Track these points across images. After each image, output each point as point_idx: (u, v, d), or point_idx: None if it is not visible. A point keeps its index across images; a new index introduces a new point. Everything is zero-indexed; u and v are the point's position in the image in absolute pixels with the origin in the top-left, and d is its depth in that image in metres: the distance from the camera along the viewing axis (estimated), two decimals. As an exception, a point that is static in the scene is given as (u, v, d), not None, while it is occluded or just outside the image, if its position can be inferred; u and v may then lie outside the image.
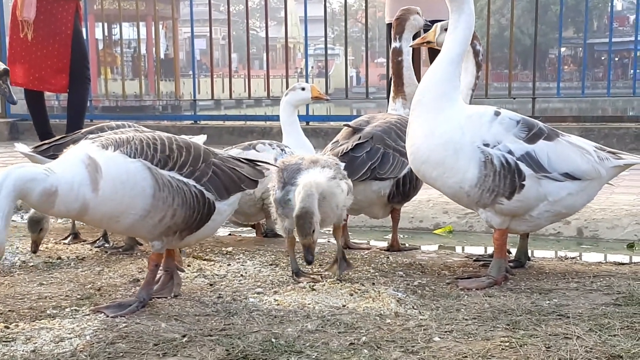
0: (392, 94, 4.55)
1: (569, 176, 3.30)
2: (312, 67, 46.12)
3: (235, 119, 9.73)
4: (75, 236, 4.44)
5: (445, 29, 3.61)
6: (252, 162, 3.36)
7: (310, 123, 9.05)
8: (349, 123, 4.20)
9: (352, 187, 3.46)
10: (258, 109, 16.71)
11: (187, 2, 11.27)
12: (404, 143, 3.76)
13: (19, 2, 6.67)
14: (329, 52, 11.54)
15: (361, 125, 4.16)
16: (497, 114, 3.32)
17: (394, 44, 4.48)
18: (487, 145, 3.24)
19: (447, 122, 3.29)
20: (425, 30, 4.51)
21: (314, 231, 3.07)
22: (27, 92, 7.16)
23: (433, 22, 7.03)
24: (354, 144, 3.97)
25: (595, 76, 49.11)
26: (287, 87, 9.84)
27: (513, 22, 9.45)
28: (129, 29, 27.61)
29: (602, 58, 56.77)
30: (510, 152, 3.24)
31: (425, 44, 4.14)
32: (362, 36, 10.11)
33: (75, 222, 4.50)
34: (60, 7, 6.87)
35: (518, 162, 3.24)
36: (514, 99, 9.28)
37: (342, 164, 3.52)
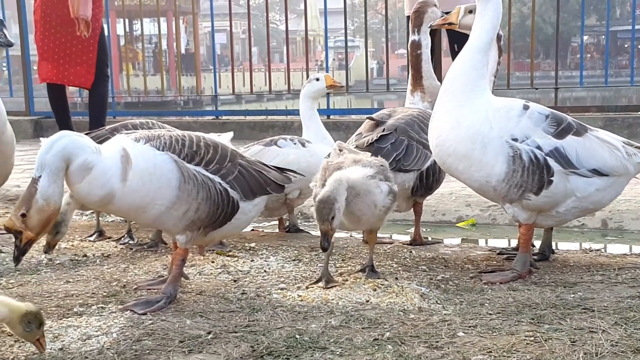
0: (410, 87, 4.53)
1: (597, 172, 3.27)
2: (333, 60, 46.07)
3: (257, 114, 9.74)
4: (101, 234, 4.47)
5: (470, 11, 3.59)
6: (279, 169, 3.41)
7: (331, 117, 9.05)
8: (372, 115, 4.21)
9: (397, 192, 3.32)
10: (279, 103, 16.71)
11: (207, -3, 11.41)
12: (427, 135, 3.76)
13: (75, 1, 6.72)
14: (349, 44, 11.50)
15: (383, 118, 4.17)
16: (526, 107, 3.28)
17: (413, 37, 4.45)
18: (515, 140, 3.21)
19: (475, 114, 3.26)
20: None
21: (333, 218, 2.98)
22: (51, 89, 7.22)
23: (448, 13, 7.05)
24: (379, 135, 3.98)
25: (618, 64, 48.52)
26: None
27: (534, 11, 9.35)
28: (150, 25, 27.82)
29: (626, 45, 56.12)
30: (538, 148, 3.21)
31: (446, 25, 4.06)
32: (383, 27, 10.09)
33: (100, 219, 4.53)
34: (95, 4, 6.94)
35: (547, 157, 3.22)
36: (537, 89, 9.20)
37: (387, 166, 3.41)
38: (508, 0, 9.09)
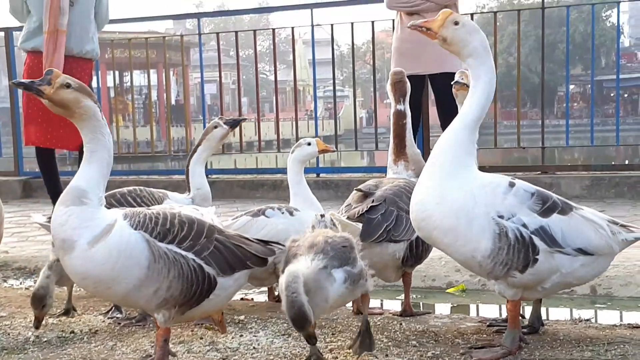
0: (392, 156, 4.50)
1: (582, 251, 3.28)
2: (322, 110, 46.40)
3: (246, 173, 9.78)
4: (67, 312, 4.35)
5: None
6: (263, 241, 3.41)
7: (321, 175, 9.09)
8: (360, 187, 4.23)
9: (361, 272, 3.17)
10: (269, 151, 16.77)
11: (196, 49, 11.50)
12: None
13: (48, 62, 6.76)
14: (339, 93, 11.63)
15: (371, 189, 4.19)
16: (511, 185, 3.30)
17: (398, 107, 4.46)
18: (501, 217, 3.22)
19: (460, 190, 3.27)
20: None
21: (309, 321, 2.83)
22: (39, 152, 7.22)
23: (436, 75, 7.14)
24: (369, 206, 3.99)
25: (605, 112, 49.14)
26: (297, 130, 10.02)
27: (520, 67, 9.47)
28: (140, 77, 28.02)
29: (612, 94, 56.88)
30: (524, 226, 3.21)
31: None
32: (371, 77, 10.15)
33: (72, 293, 4.46)
34: (80, 67, 6.98)
35: (532, 236, 3.22)
36: (524, 148, 9.28)
37: (352, 243, 3.23)
38: (494, 50, 9.22)
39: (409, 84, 4.50)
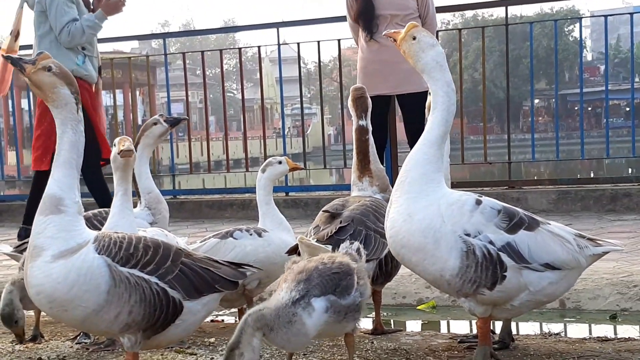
0: (356, 173, 4.46)
1: (550, 266, 3.30)
2: (290, 128, 46.47)
3: (214, 193, 9.74)
4: (35, 338, 4.27)
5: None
6: (234, 264, 3.38)
7: (290, 194, 9.07)
8: (326, 208, 4.21)
9: (351, 302, 3.04)
10: (237, 170, 16.74)
11: (163, 68, 11.43)
12: (382, 224, 3.77)
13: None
14: (306, 111, 11.65)
15: (338, 209, 4.16)
16: (478, 202, 3.31)
17: (360, 123, 4.44)
18: (468, 235, 3.23)
19: (427, 208, 3.28)
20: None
21: None
22: (39, 175, 7.02)
23: (402, 94, 7.16)
24: (337, 227, 3.97)
25: (569, 126, 49.79)
26: (265, 148, 10.00)
27: (485, 83, 9.57)
28: (106, 97, 27.79)
29: (576, 108, 57.71)
30: (491, 243, 3.23)
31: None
32: (339, 94, 10.15)
33: (40, 319, 4.39)
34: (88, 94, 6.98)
35: (500, 252, 3.23)
36: (490, 163, 9.36)
37: (349, 270, 3.11)
38: (459, 66, 9.31)
39: (369, 100, 4.49)
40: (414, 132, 7.07)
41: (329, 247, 3.72)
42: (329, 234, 3.93)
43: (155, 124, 4.88)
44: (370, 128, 4.47)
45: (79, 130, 3.08)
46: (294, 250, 3.81)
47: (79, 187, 3.09)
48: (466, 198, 3.34)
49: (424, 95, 7.16)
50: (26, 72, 3.03)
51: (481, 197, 3.38)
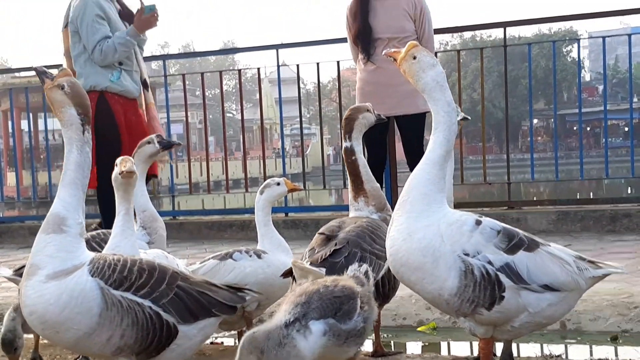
0: (352, 193, 4.44)
1: (549, 288, 3.28)
2: (289, 149, 46.50)
3: (214, 214, 9.73)
4: None
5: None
6: (234, 288, 3.35)
7: (289, 214, 9.06)
8: (322, 230, 4.17)
9: (353, 327, 2.97)
10: (237, 191, 16.70)
11: (162, 89, 11.48)
12: (379, 245, 3.79)
13: None
14: (306, 131, 11.69)
15: (334, 231, 4.13)
16: (478, 222, 3.29)
17: (345, 144, 4.45)
18: (467, 254, 3.21)
19: (427, 227, 3.27)
20: (379, 123, 4.55)
21: None
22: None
23: (400, 116, 7.17)
24: (332, 249, 3.95)
25: (568, 146, 49.89)
26: (264, 168, 9.99)
27: (484, 103, 9.59)
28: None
29: (575, 128, 57.81)
30: (490, 263, 3.21)
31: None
32: (338, 115, 10.15)
33: (39, 341, 4.36)
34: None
35: (498, 273, 3.21)
36: (490, 184, 9.36)
37: (353, 294, 3.04)
38: (458, 87, 9.33)
39: (357, 121, 4.44)
40: (412, 153, 7.07)
41: (323, 270, 3.67)
42: (323, 257, 3.89)
43: (149, 143, 4.90)
44: (357, 149, 4.45)
45: (84, 151, 3.08)
46: (289, 273, 3.79)
47: (84, 207, 3.09)
48: (466, 218, 3.33)
49: (421, 117, 7.20)
50: (45, 86, 3.08)
51: (481, 217, 3.37)
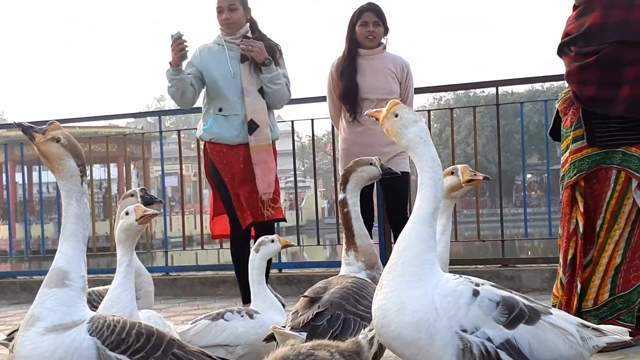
0: (344, 245, 4.42)
1: None
2: (284, 201, 46.45)
3: (208, 270, 9.64)
4: None
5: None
6: None
7: (283, 270, 8.99)
8: (307, 293, 4.11)
9: None
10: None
11: (157, 142, 11.49)
12: (363, 307, 3.72)
13: None
14: (300, 184, 11.67)
15: (318, 293, 4.06)
16: (475, 294, 3.15)
17: (340, 196, 4.43)
18: (464, 330, 3.07)
19: (421, 299, 3.13)
20: (387, 177, 4.55)
21: None
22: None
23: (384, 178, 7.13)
24: (314, 313, 3.89)
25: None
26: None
27: (477, 158, 9.62)
28: (100, 170, 27.89)
29: (568, 182, 57.87)
30: (489, 340, 3.07)
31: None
32: (332, 168, 10.13)
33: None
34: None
35: (498, 350, 3.07)
36: (484, 241, 9.32)
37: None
38: (451, 143, 9.37)
39: (356, 173, 4.40)
40: (396, 213, 7.08)
41: (304, 335, 3.59)
42: (305, 321, 3.83)
43: (132, 195, 4.93)
44: (350, 202, 4.38)
45: (82, 202, 3.08)
46: (271, 338, 3.75)
47: (85, 260, 3.08)
48: (462, 289, 3.17)
49: (405, 176, 7.12)
50: (35, 141, 3.05)
51: (478, 286, 3.21)
